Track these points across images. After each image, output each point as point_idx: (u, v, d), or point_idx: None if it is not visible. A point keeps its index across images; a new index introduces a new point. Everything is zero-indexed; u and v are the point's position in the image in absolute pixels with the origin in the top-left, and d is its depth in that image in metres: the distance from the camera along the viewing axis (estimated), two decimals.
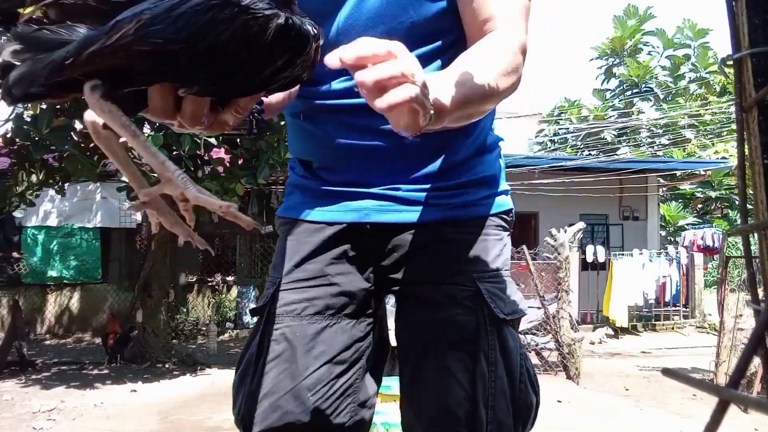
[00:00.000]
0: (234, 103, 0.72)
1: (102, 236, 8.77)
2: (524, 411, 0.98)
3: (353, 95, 0.95)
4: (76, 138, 5.03)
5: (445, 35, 0.98)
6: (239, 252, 9.55)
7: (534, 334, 6.40)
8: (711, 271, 13.57)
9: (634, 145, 17.56)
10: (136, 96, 0.67)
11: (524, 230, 10.38)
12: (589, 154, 16.54)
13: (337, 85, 1.00)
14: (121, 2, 0.62)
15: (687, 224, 14.39)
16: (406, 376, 1.01)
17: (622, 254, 10.21)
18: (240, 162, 5.54)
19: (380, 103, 0.63)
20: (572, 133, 18.39)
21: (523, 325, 6.40)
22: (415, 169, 1.02)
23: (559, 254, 6.04)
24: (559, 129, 19.14)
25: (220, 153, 5.67)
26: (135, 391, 5.10)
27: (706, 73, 19.18)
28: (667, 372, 0.38)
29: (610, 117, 18.94)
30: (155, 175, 0.74)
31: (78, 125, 4.92)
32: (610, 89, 20.61)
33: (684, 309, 10.69)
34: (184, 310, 8.40)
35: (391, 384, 2.24)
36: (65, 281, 8.67)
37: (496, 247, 1.03)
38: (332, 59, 0.63)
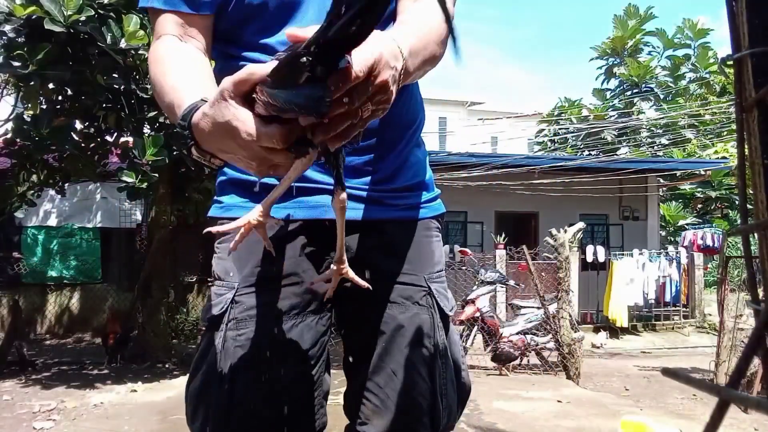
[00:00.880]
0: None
1: (102, 236, 8.78)
2: (465, 394, 1.10)
3: None
4: (76, 138, 5.03)
5: None
6: None
7: (534, 334, 6.41)
8: (711, 271, 13.58)
9: (634, 145, 17.53)
10: None
11: (524, 230, 10.37)
12: (589, 154, 16.52)
13: None
14: None
15: (687, 224, 14.40)
16: (364, 364, 1.02)
17: (622, 254, 10.21)
18: None
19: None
20: (572, 133, 18.36)
21: (524, 325, 6.40)
22: (365, 170, 1.03)
23: (559, 254, 6.05)
24: (559, 129, 19.10)
25: None
26: (135, 391, 5.09)
27: (706, 73, 19.18)
28: (667, 372, 0.38)
29: (610, 117, 18.92)
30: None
31: (78, 125, 4.92)
32: (610, 89, 20.60)
33: (684, 309, 10.69)
34: (184, 310, 8.40)
35: None
36: (65, 281, 8.68)
37: (438, 249, 1.11)
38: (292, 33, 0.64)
